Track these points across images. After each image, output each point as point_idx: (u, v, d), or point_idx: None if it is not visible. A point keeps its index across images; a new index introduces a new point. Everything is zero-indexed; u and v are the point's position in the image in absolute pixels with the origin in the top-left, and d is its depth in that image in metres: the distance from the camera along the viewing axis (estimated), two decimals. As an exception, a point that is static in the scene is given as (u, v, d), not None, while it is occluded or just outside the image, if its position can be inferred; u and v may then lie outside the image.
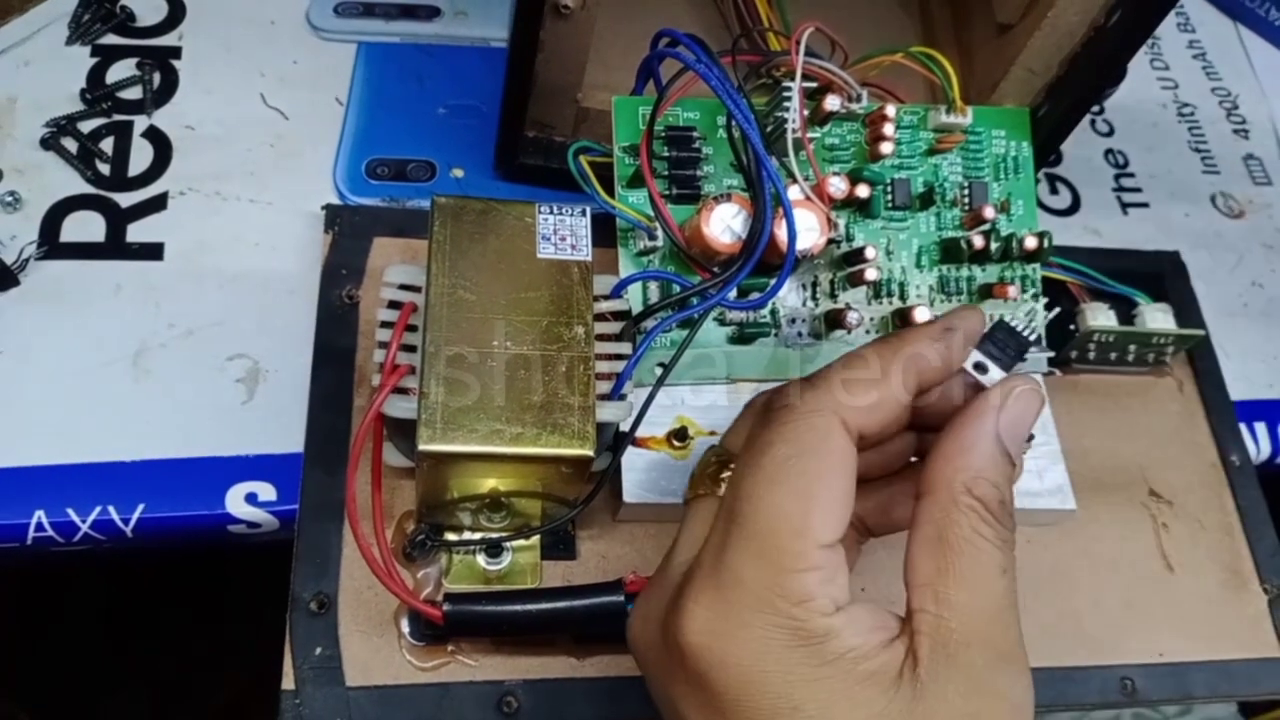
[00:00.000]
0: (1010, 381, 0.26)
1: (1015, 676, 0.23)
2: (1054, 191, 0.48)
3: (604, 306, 0.31)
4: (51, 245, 0.37)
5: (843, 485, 0.24)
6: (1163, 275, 0.43)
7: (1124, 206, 0.48)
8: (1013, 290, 0.36)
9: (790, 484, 0.23)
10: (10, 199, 0.37)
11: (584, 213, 0.31)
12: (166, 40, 0.42)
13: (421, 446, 0.27)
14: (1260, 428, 0.43)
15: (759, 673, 0.22)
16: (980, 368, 0.27)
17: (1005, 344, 0.27)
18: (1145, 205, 0.49)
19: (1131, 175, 0.49)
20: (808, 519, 0.23)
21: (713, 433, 0.34)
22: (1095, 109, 0.51)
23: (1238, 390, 0.42)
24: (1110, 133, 0.51)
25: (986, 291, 0.37)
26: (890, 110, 0.36)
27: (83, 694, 0.64)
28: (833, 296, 0.36)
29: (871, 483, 0.28)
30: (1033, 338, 0.28)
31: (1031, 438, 0.35)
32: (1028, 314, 0.36)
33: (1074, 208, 0.48)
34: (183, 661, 0.65)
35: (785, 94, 0.34)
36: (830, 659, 0.22)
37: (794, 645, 0.22)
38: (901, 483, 0.28)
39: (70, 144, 0.39)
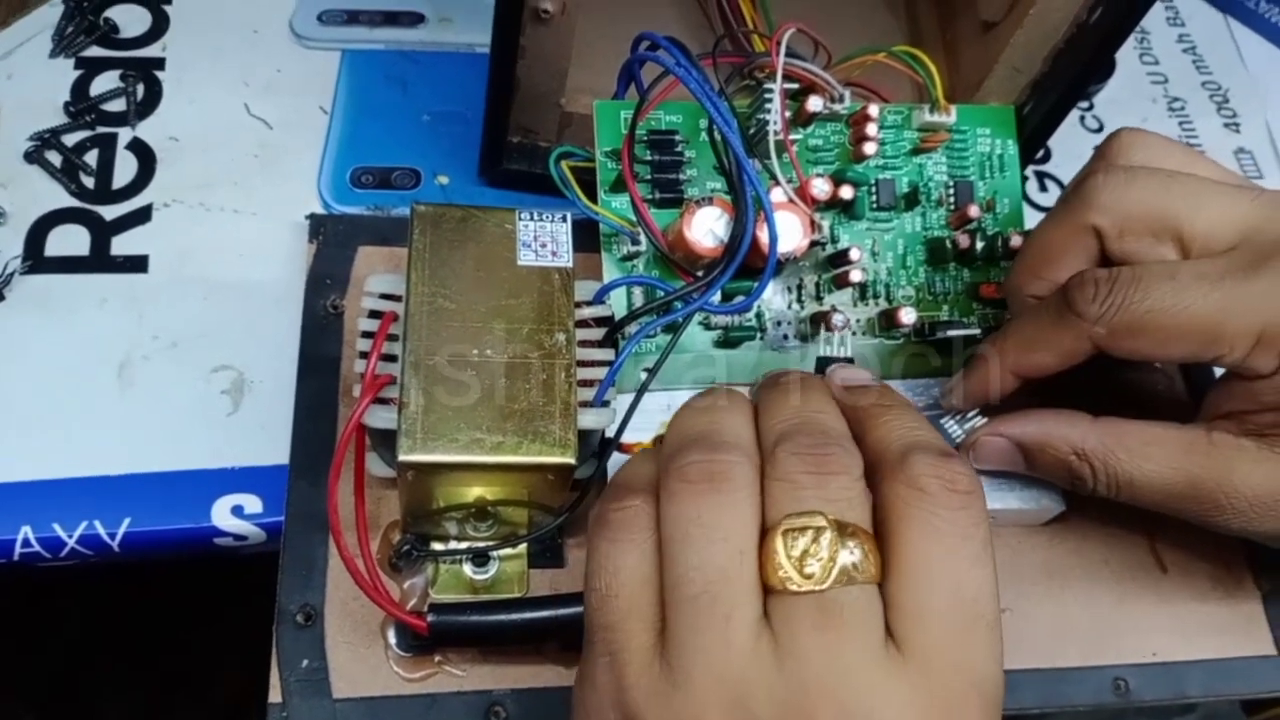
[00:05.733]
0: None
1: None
2: (1043, 189, 0.48)
3: (586, 313, 0.31)
4: (36, 259, 0.37)
5: None
6: (1153, 271, 0.43)
7: (1114, 202, 0.48)
8: (1000, 289, 0.36)
9: None
10: (-6, 214, 0.37)
11: (564, 219, 0.31)
12: (150, 51, 0.42)
13: (401, 457, 0.27)
14: (1254, 423, 0.42)
15: None
16: None
17: None
18: (1136, 200, 0.48)
19: (1122, 170, 0.49)
20: None
21: (699, 437, 0.34)
22: (1084, 105, 0.51)
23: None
24: (1100, 129, 0.50)
25: (974, 291, 0.37)
26: (874, 110, 0.35)
27: (83, 695, 0.64)
28: (818, 299, 0.36)
29: None
30: None
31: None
32: None
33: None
34: (183, 661, 0.65)
35: (767, 96, 0.33)
36: None
37: None
38: None
39: (54, 157, 0.39)
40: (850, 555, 0.22)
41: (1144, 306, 0.28)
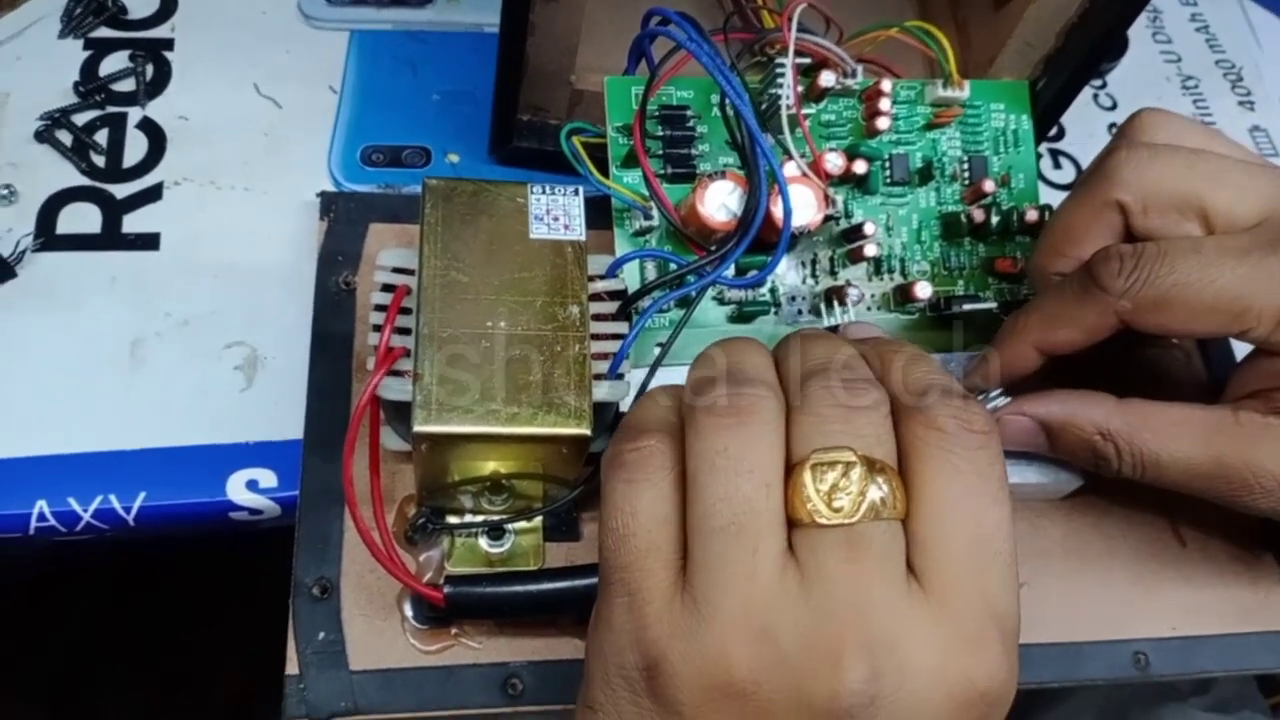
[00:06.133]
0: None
1: None
2: (1057, 166, 0.48)
3: (599, 286, 0.31)
4: (47, 237, 0.37)
5: None
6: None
7: (1127, 180, 0.48)
8: (1014, 264, 0.36)
9: None
10: (5, 192, 0.37)
11: (576, 192, 0.31)
12: (159, 32, 0.42)
13: (417, 428, 0.27)
14: (1269, 400, 0.42)
15: None
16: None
17: None
18: (1149, 179, 0.48)
19: (1135, 149, 0.49)
20: None
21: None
22: (1098, 83, 0.51)
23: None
24: (1114, 107, 0.50)
25: (989, 266, 0.36)
26: (886, 85, 0.35)
27: (85, 696, 0.64)
28: (832, 274, 0.36)
29: None
30: None
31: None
32: (1031, 288, 0.36)
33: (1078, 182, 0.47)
34: (184, 662, 0.65)
35: (779, 71, 0.33)
36: None
37: None
38: None
39: (65, 137, 0.39)
40: (879, 490, 0.22)
41: (1170, 280, 0.28)
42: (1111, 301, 0.29)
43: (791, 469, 0.23)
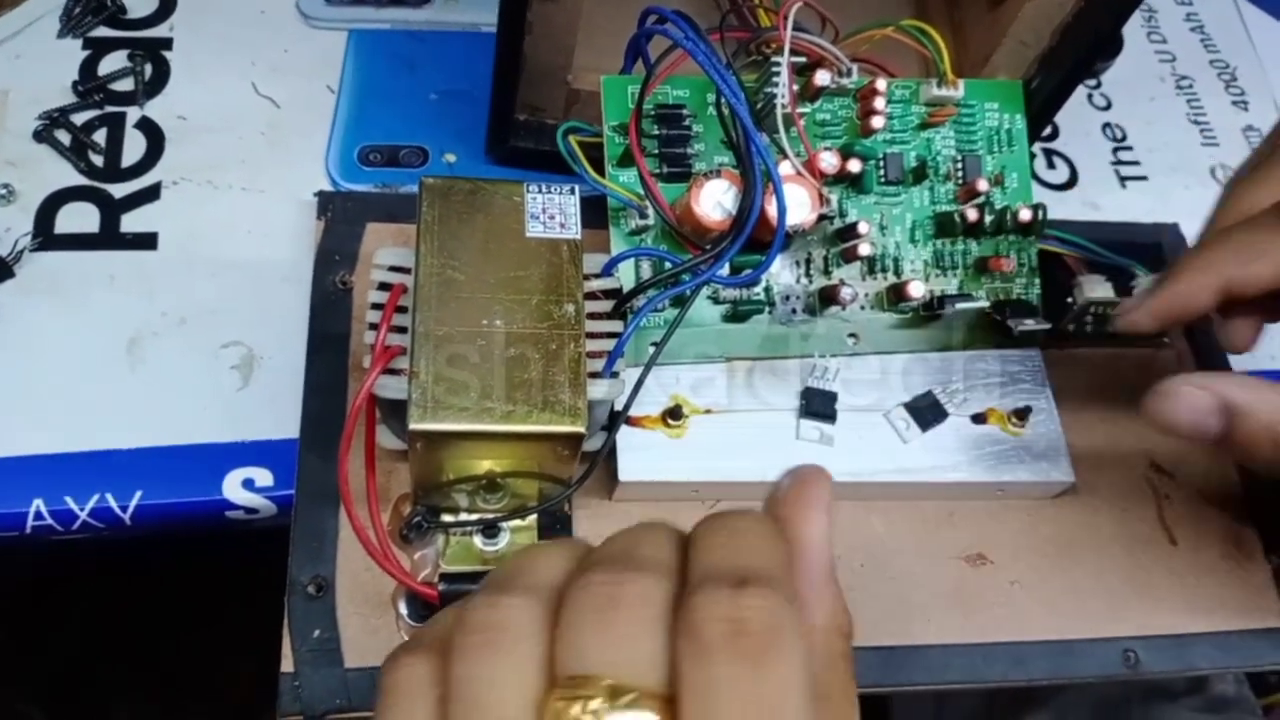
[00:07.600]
0: None
1: None
2: (1051, 166, 0.48)
3: (595, 285, 0.31)
4: (46, 237, 0.37)
5: None
6: (1161, 247, 0.43)
7: (1122, 180, 0.48)
8: (1007, 263, 0.36)
9: None
10: (4, 191, 0.37)
11: (572, 191, 0.31)
12: (157, 32, 0.42)
13: (412, 426, 0.27)
14: (1262, 399, 0.42)
15: None
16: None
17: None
18: (1144, 178, 0.48)
19: (1129, 149, 0.49)
20: None
21: (708, 410, 0.34)
22: (1092, 83, 0.51)
23: (1239, 362, 0.42)
24: (1108, 106, 0.50)
25: (982, 265, 0.37)
26: (881, 84, 0.35)
27: (88, 697, 0.64)
28: (826, 273, 0.36)
29: None
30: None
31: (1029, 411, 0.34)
32: (1024, 287, 0.35)
33: (1072, 181, 0.47)
34: (186, 660, 0.65)
35: (774, 70, 0.33)
36: None
37: None
38: None
39: (63, 136, 0.39)
40: None
41: None
42: None
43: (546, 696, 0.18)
